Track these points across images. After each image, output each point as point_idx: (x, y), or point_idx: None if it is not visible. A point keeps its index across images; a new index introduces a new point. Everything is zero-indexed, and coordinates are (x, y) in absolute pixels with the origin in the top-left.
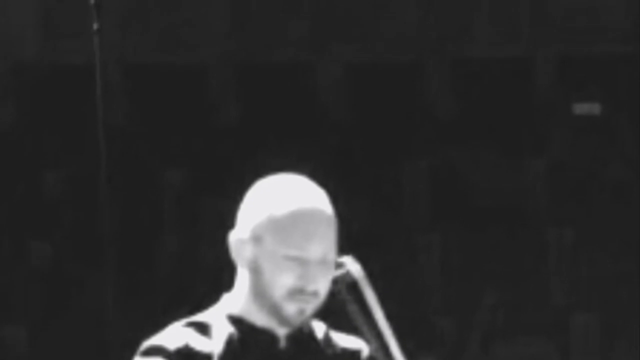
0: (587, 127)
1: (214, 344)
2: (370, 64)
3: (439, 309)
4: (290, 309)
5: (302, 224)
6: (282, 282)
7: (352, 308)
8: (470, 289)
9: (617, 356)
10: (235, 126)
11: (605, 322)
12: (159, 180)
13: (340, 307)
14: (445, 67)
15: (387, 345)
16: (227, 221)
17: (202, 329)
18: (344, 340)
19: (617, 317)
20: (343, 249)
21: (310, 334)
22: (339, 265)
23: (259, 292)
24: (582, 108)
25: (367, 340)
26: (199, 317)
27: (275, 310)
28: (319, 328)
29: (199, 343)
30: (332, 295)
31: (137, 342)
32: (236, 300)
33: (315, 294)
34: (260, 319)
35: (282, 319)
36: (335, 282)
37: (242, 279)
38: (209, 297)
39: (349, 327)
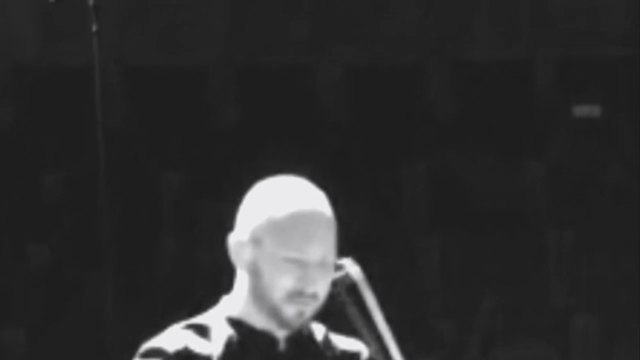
0: (587, 129)
1: (213, 347)
2: (370, 65)
3: (439, 311)
4: (290, 311)
5: (301, 226)
6: (281, 284)
7: (352, 310)
8: (469, 291)
9: (617, 358)
10: (234, 128)
11: (605, 324)
12: (157, 183)
13: (340, 310)
14: (445, 69)
15: (386, 347)
16: (226, 223)
17: (202, 331)
18: (343, 343)
19: (617, 319)
20: (342, 251)
21: (310, 336)
22: (338, 268)
23: (259, 295)
24: (582, 110)
25: (367, 343)
26: (198, 320)
27: (274, 313)
28: (319, 330)
29: (198, 345)
30: (332, 297)
31: (137, 345)
32: (235, 303)
33: (314, 296)
34: (259, 321)
35: (282, 321)
36: (335, 284)
37: (242, 281)
38: (208, 300)
39: (349, 330)
